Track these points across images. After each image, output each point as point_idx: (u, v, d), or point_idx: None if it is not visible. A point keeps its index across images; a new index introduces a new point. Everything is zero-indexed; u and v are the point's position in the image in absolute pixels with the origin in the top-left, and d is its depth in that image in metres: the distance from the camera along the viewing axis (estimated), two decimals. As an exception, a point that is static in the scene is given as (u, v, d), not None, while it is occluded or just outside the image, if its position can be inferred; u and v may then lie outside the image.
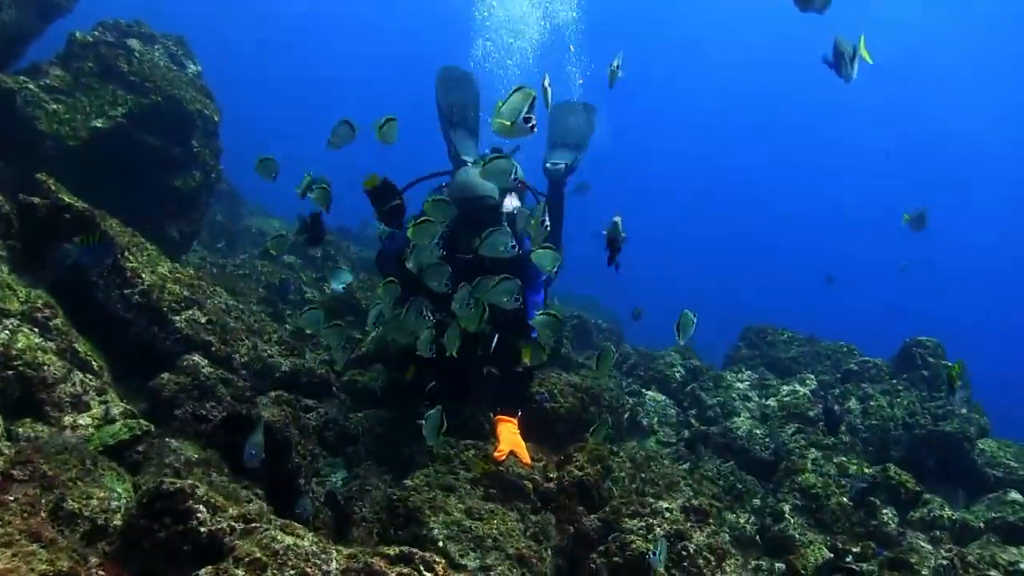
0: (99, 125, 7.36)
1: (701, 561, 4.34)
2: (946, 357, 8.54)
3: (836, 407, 7.29)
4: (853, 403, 7.97)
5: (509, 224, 5.59)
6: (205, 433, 4.35)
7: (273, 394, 5.50)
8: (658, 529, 4.44)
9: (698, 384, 8.49)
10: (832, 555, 4.89)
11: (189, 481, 3.44)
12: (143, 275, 5.31)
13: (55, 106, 7.33)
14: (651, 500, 4.75)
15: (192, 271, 5.97)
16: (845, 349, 9.76)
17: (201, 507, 3.33)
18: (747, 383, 8.51)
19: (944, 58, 40.99)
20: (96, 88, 7.63)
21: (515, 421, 5.27)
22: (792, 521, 5.41)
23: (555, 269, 5.03)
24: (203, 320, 5.41)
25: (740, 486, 6.29)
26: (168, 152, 7.82)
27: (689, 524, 4.59)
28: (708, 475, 6.27)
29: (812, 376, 8.49)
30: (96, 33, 8.02)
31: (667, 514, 4.60)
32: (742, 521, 5.81)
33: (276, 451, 4.24)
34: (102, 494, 3.53)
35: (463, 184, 5.41)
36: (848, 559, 4.92)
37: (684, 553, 4.32)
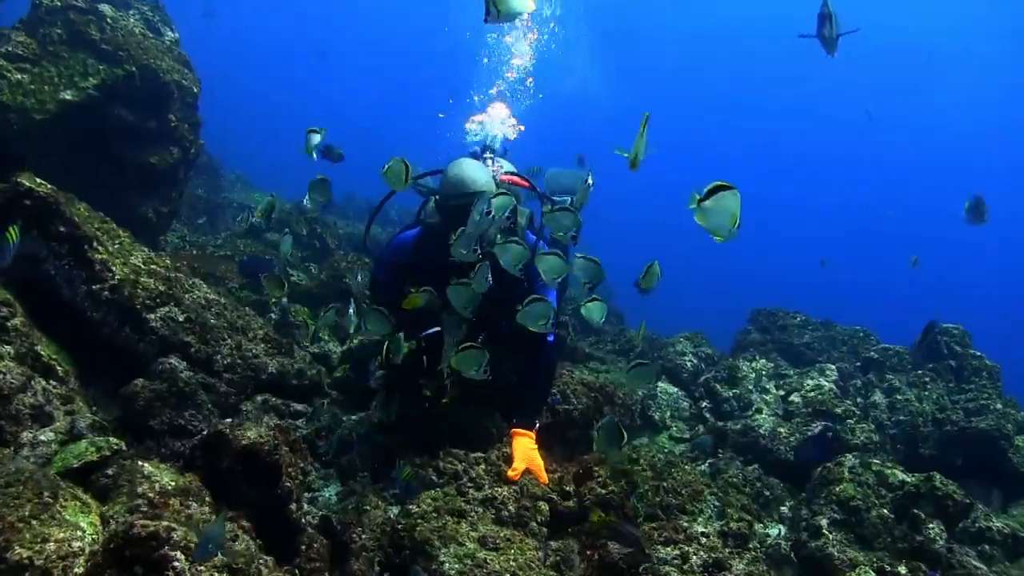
0: (68, 97, 6.77)
1: (742, 593, 3.87)
2: (972, 345, 8.07)
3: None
4: (879, 396, 7.50)
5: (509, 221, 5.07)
6: (182, 455, 3.83)
7: (260, 399, 5.02)
8: (694, 558, 3.96)
9: (712, 375, 7.99)
10: (879, 579, 4.43)
11: (164, 523, 2.94)
12: (113, 268, 4.76)
13: (20, 76, 6.72)
14: (685, 524, 4.26)
15: (168, 261, 5.40)
16: (862, 334, 9.31)
17: (179, 555, 2.85)
18: (763, 373, 8.04)
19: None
20: (65, 57, 7.02)
21: (532, 435, 4.77)
22: (830, 537, 4.93)
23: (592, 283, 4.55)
24: (181, 318, 4.87)
25: (767, 493, 5.83)
26: (143, 126, 7.24)
27: (727, 551, 4.11)
28: (733, 482, 5.79)
29: (832, 366, 8.00)
30: (64, -3, 7.40)
31: (703, 540, 4.12)
32: (772, 535, 5.34)
33: (264, 476, 3.73)
34: (61, 534, 3.00)
35: (455, 182, 4.88)
36: (897, 583, 4.46)
37: (724, 586, 3.84)
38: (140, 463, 3.65)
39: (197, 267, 7.37)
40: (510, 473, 4.42)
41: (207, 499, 3.59)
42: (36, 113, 6.59)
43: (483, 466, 4.52)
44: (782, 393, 7.55)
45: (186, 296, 5.05)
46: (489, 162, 5.65)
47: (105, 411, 4.54)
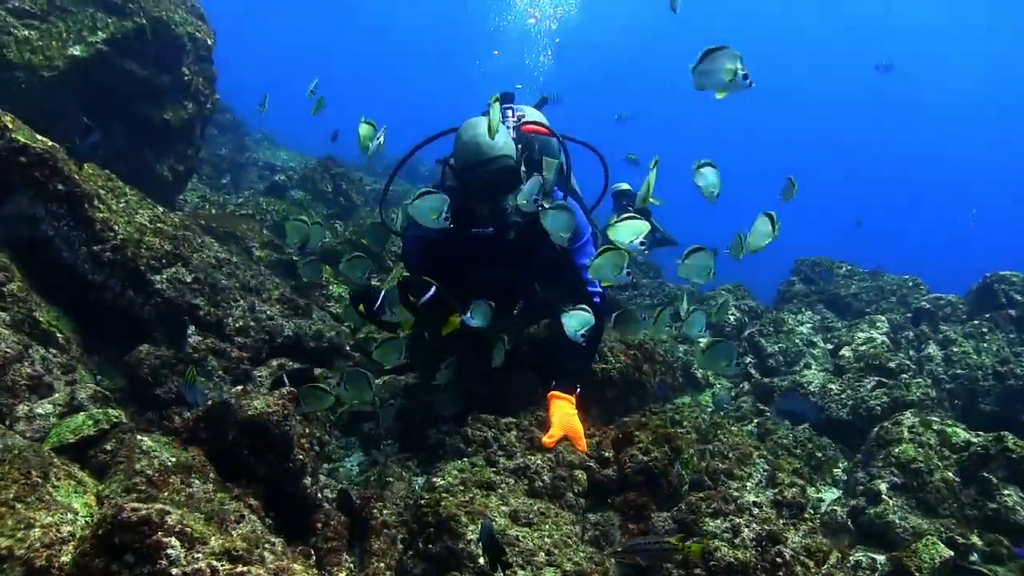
0: (77, 53, 6.48)
1: (799, 568, 3.52)
2: (1034, 294, 7.59)
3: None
4: (933, 349, 7.07)
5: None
6: (185, 427, 3.53)
7: (275, 363, 4.70)
8: (746, 530, 3.62)
9: (756, 329, 7.58)
10: (951, 552, 4.05)
11: (158, 506, 2.64)
12: (116, 227, 4.45)
13: (26, 32, 6.45)
14: (735, 493, 3.91)
15: (177, 219, 5.08)
16: (911, 284, 8.83)
17: (173, 540, 2.54)
18: (809, 326, 7.62)
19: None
20: (73, 11, 6.73)
21: (572, 399, 4.41)
22: (891, 503, 4.56)
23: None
24: (189, 279, 4.56)
25: (820, 454, 5.45)
26: (156, 81, 6.94)
27: (783, 522, 3.76)
28: (784, 443, 5.43)
29: (882, 318, 7.56)
30: (67, -53, 7.06)
31: (755, 510, 3.77)
32: (828, 499, 4.98)
33: (273, 449, 3.42)
34: (48, 519, 2.72)
35: (471, 144, 4.34)
36: (973, 557, 4.09)
37: (779, 560, 3.50)
38: (140, 437, 3.36)
39: (216, 227, 7.08)
40: (545, 439, 4.08)
41: (211, 476, 3.29)
42: (44, 71, 6.33)
43: (515, 432, 4.19)
44: (830, 347, 7.15)
45: (195, 256, 4.74)
46: (509, 113, 5.17)
47: (111, 380, 4.28)
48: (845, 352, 6.76)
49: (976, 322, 7.30)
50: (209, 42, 7.55)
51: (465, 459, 3.94)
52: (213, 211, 8.39)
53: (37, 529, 2.63)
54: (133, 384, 4.18)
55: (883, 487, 4.70)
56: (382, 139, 4.71)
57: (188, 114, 7.22)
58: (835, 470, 5.44)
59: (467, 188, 4.41)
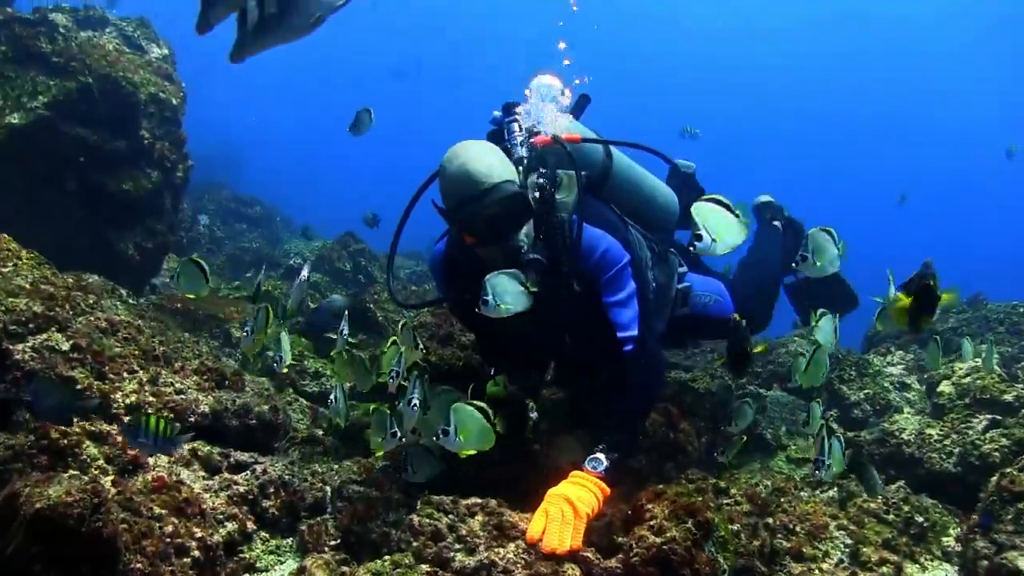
0: (15, 121, 5.76)
1: None
2: None
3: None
4: (1056, 381, 5.68)
5: (546, 208, 3.54)
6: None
7: (187, 448, 3.63)
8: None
9: (836, 375, 6.24)
10: None
11: None
12: (-33, 288, 3.51)
13: (-39, 106, 5.77)
14: (781, 569, 2.68)
15: (71, 280, 4.13)
16: (1023, 310, 7.43)
17: None
18: (901, 367, 6.30)
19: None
20: (12, 77, 6.02)
21: (601, 491, 3.20)
22: (1032, 581, 3.25)
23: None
24: (65, 347, 3.55)
25: (920, 519, 4.11)
26: (109, 147, 6.13)
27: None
28: (870, 508, 4.11)
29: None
30: (8, 10, 6.39)
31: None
32: (936, 580, 3.68)
33: (83, 559, 2.34)
34: None
35: (460, 176, 3.23)
36: None
37: None
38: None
39: (195, 308, 6.18)
40: (529, 532, 2.90)
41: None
42: (-21, 144, 5.60)
43: (480, 518, 3.04)
44: (926, 389, 5.82)
45: (78, 319, 3.75)
46: (515, 126, 4.03)
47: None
48: (944, 388, 5.40)
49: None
50: (175, 102, 6.74)
51: (387, 557, 2.80)
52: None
53: None
54: (-18, 485, 3.17)
55: (1021, 560, 3.35)
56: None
57: (152, 183, 6.38)
58: (944, 539, 4.10)
59: (465, 231, 3.36)
